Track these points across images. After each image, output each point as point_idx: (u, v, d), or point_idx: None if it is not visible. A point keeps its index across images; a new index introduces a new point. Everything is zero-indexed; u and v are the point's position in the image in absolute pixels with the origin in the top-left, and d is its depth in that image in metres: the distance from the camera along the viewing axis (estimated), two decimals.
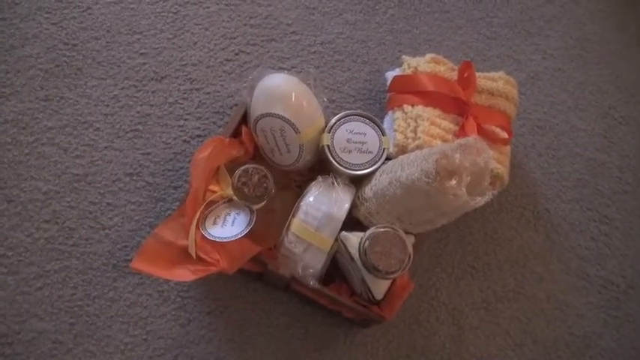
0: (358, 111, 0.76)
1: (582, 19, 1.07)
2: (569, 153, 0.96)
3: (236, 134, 0.77)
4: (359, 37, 0.97)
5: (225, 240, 0.66)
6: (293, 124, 0.71)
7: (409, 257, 0.66)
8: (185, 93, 0.88)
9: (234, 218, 0.69)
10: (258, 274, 0.75)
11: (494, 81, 0.84)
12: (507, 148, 0.84)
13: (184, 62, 0.89)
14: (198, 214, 0.68)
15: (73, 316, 0.76)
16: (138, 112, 0.85)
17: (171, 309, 0.78)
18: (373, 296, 0.69)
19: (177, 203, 0.80)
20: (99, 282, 0.78)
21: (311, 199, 0.70)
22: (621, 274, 0.90)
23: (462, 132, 0.78)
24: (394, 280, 0.70)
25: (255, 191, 0.69)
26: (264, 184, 0.69)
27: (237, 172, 0.69)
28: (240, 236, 0.66)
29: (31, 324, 0.74)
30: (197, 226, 0.68)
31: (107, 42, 0.89)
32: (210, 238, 0.66)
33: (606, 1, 1.10)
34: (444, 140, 0.77)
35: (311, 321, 0.80)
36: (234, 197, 0.70)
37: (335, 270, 0.75)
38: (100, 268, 0.78)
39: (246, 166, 0.70)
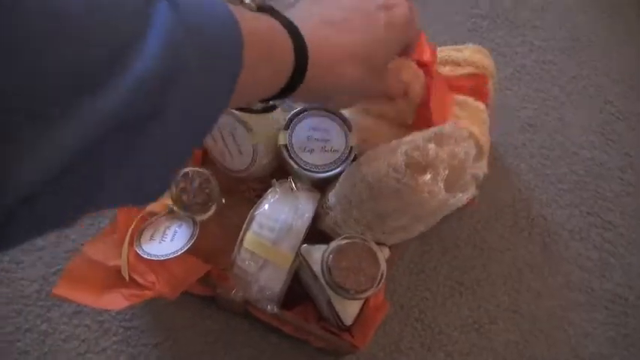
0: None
1: (572, 8, 0.98)
2: (564, 153, 0.86)
3: None
4: None
5: (161, 258, 0.56)
6: (244, 120, 0.61)
7: (382, 273, 0.56)
8: None
9: (175, 232, 0.59)
10: (205, 298, 0.64)
11: (459, 51, 0.73)
12: (485, 115, 0.71)
13: None
14: (132, 228, 0.58)
15: (2, 353, 0.66)
16: None
17: (112, 342, 0.67)
18: (342, 321, 0.58)
19: None
20: (30, 312, 0.68)
21: (266, 207, 0.60)
22: (628, 284, 0.80)
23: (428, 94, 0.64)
24: (366, 301, 0.60)
25: (196, 198, 0.59)
26: (206, 190, 0.59)
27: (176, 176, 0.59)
28: (178, 253, 0.56)
29: None
30: (130, 243, 0.58)
31: None
32: (145, 257, 0.56)
33: None
34: None
35: (277, 352, 0.69)
36: (175, 208, 0.60)
37: (301, 289, 0.65)
38: (32, 297, 0.68)
39: (186, 169, 0.60)
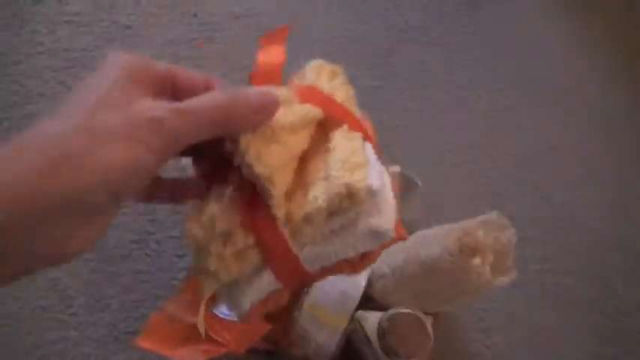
0: None
1: (604, 91, 1.08)
2: (577, 225, 0.94)
3: None
4: (370, 107, 0.95)
5: (235, 318, 0.63)
6: None
7: (430, 341, 0.63)
8: None
9: None
10: (267, 352, 0.71)
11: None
12: None
13: None
14: None
15: None
16: None
17: None
18: None
19: (183, 273, 0.77)
20: (98, 355, 0.74)
21: None
22: (633, 350, 0.88)
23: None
24: None
25: None
26: None
27: None
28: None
29: None
30: (206, 302, 0.65)
31: None
32: (221, 316, 0.63)
33: (629, 74, 1.11)
34: None
35: None
36: None
37: (348, 350, 0.72)
38: (100, 340, 0.75)
39: None
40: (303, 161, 0.42)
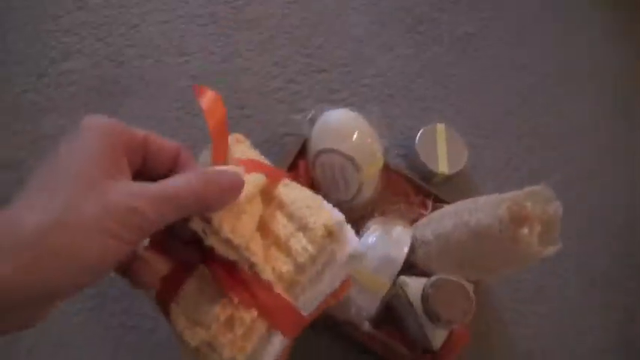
0: None
1: (628, 69, 1.07)
2: (605, 200, 0.95)
3: (291, 168, 0.75)
4: (410, 73, 0.95)
5: None
6: (355, 162, 0.69)
7: (473, 307, 0.64)
8: (234, 119, 0.85)
9: None
10: None
11: None
12: None
13: (234, 88, 0.87)
14: None
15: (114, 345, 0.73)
16: (187, 135, 0.83)
17: None
18: (431, 346, 0.66)
19: None
20: (139, 310, 0.75)
21: (369, 240, 0.68)
22: None
23: None
24: (452, 330, 0.68)
25: None
26: None
27: None
28: None
29: None
30: None
31: (155, 61, 0.87)
32: None
33: None
34: None
35: None
36: None
37: (385, 316, 0.73)
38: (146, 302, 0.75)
39: None
40: (260, 222, 0.43)
